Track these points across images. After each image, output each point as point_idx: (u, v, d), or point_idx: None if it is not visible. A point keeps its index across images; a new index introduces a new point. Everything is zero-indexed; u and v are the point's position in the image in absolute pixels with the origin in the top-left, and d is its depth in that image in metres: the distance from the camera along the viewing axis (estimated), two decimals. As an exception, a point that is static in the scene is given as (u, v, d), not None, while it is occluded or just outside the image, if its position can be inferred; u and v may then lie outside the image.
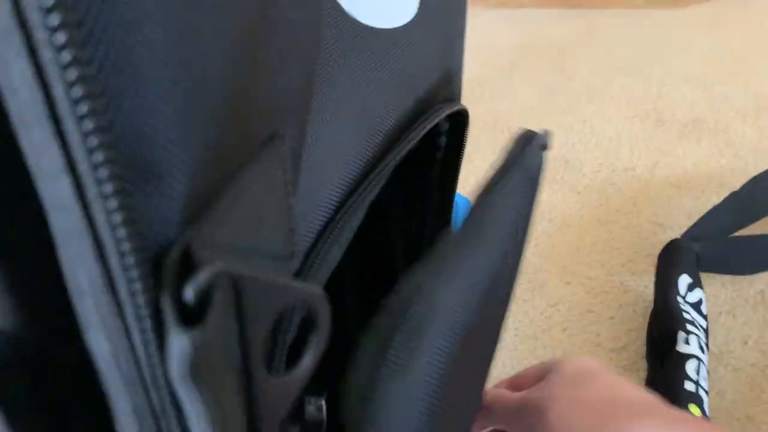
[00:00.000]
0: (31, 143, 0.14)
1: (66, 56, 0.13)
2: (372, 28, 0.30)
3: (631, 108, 1.17)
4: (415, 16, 0.33)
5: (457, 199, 0.84)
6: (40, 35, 0.12)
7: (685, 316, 0.63)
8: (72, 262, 0.15)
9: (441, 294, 0.27)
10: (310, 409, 0.38)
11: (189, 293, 0.15)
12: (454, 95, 0.41)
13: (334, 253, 0.28)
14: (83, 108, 0.13)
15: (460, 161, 0.41)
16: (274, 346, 0.21)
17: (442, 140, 0.41)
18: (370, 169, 0.31)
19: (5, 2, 0.12)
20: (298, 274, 0.26)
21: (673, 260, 0.69)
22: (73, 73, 0.13)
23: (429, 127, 0.35)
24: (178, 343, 0.15)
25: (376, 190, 0.31)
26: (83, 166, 0.14)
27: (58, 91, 0.13)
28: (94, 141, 0.13)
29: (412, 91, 0.34)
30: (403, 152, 0.33)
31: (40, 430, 0.19)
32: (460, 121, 0.41)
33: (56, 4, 0.12)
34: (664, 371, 0.58)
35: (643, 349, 0.71)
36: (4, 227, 0.17)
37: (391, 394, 0.25)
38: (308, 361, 0.20)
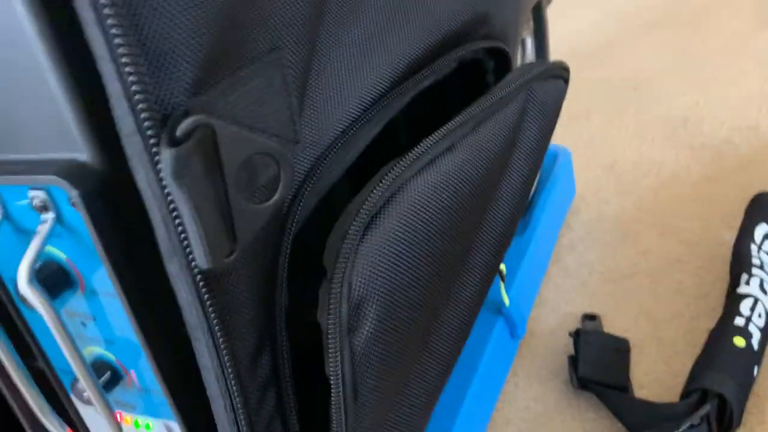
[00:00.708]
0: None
1: None
2: None
3: (769, 67, 1.11)
4: None
5: (556, 150, 0.88)
6: None
7: (754, 261, 0.63)
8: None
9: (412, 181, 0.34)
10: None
11: (179, 130, 0.24)
12: (494, 35, 0.46)
13: (346, 157, 0.35)
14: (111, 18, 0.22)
15: None
16: (251, 183, 0.29)
17: (490, 77, 0.46)
18: (390, 88, 0.38)
19: None
20: (313, 169, 0.33)
21: (756, 209, 0.69)
22: None
23: (454, 58, 0.41)
24: (165, 154, 0.24)
25: (393, 111, 0.37)
26: (112, 55, 0.23)
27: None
28: (117, 39, 0.22)
29: (439, 26, 0.40)
30: (426, 78, 0.39)
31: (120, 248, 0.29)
32: (504, 59, 0.46)
33: None
34: (723, 310, 0.59)
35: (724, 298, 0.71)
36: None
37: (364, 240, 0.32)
38: (277, 197, 0.28)
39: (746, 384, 0.55)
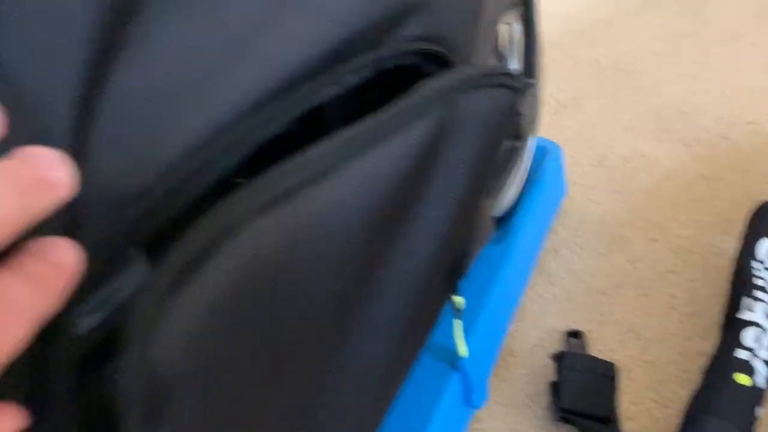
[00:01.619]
0: None
1: None
2: None
3: (771, 56, 1.04)
4: None
5: (545, 144, 0.81)
6: None
7: (757, 282, 0.57)
8: None
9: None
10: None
11: None
12: (434, 35, 0.36)
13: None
14: None
15: None
16: None
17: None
18: (260, 107, 0.27)
19: None
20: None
21: (759, 222, 0.63)
22: None
23: (362, 65, 0.31)
24: None
25: (264, 132, 0.27)
26: None
27: None
28: None
29: (337, 28, 0.30)
30: (318, 92, 0.29)
31: None
32: (447, 66, 0.37)
33: None
34: (721, 338, 0.54)
35: (721, 317, 0.65)
36: None
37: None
38: None
39: (750, 430, 0.49)
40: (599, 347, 0.65)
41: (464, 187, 0.34)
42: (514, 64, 0.66)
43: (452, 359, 0.54)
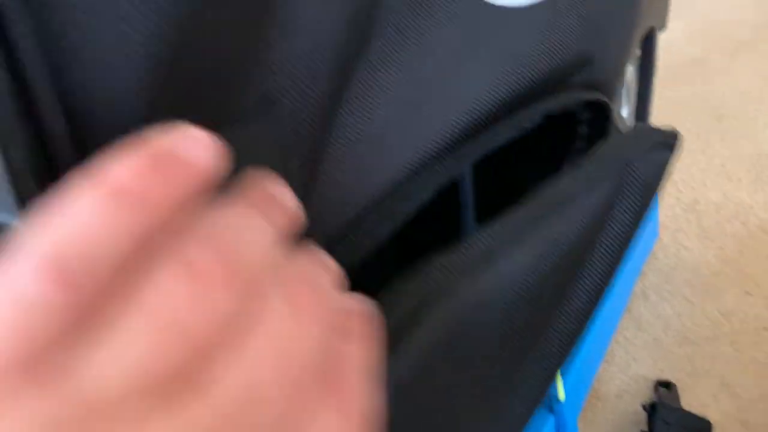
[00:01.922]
0: None
1: None
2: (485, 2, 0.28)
3: None
4: None
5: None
6: None
7: None
8: None
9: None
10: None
11: None
12: (595, 82, 0.37)
13: (364, 241, 0.26)
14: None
15: None
16: None
17: (583, 129, 0.38)
18: (450, 148, 0.28)
19: None
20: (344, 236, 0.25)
21: None
22: None
23: (540, 111, 0.32)
24: None
25: (455, 171, 0.28)
26: None
27: None
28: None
29: (523, 72, 0.31)
30: (501, 135, 0.30)
31: None
32: (603, 112, 0.37)
33: None
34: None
35: (820, 381, 0.63)
36: None
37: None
38: None
39: None
40: (691, 401, 0.64)
41: (614, 253, 0.33)
42: (627, 106, 0.65)
43: (549, 402, 0.54)
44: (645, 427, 0.60)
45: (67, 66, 0.16)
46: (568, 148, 0.39)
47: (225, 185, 0.18)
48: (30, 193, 0.16)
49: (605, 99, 0.36)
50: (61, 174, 0.16)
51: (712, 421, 0.60)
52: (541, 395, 0.33)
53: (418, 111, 0.26)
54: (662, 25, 0.63)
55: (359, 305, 0.17)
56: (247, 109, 0.20)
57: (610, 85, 0.38)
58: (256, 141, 0.20)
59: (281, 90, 0.20)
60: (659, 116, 1.05)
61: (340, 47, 0.22)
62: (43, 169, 0.16)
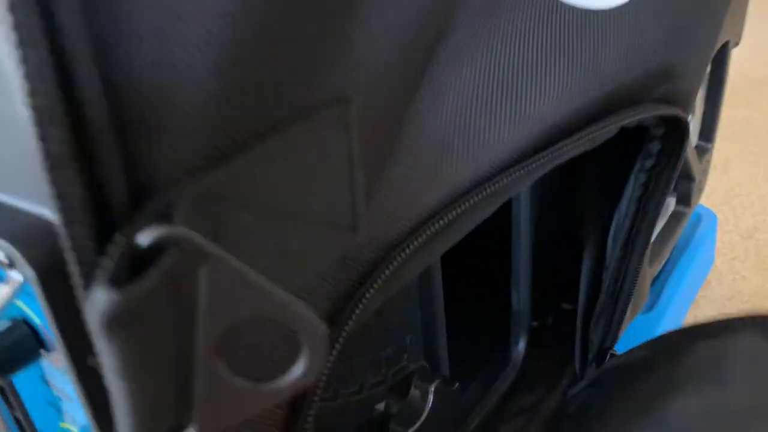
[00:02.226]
0: None
1: None
2: (567, 5, 0.26)
3: None
4: None
5: (699, 210, 0.76)
6: None
7: None
8: None
9: None
10: (415, 393, 0.33)
11: (143, 241, 0.14)
12: (673, 97, 0.35)
13: (435, 247, 0.24)
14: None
15: (673, 175, 0.35)
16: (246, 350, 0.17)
17: (654, 146, 0.35)
18: (519, 160, 0.26)
19: None
20: (384, 262, 0.23)
21: None
22: None
23: (615, 125, 0.30)
24: (99, 295, 0.13)
25: (521, 186, 0.26)
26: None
27: None
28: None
29: (602, 82, 0.29)
30: (572, 149, 0.28)
31: None
32: (679, 129, 0.35)
33: None
34: None
35: None
36: None
37: None
38: (289, 382, 0.17)
39: None
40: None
41: None
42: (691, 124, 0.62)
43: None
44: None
45: (113, 44, 0.14)
46: (631, 164, 0.37)
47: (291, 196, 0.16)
48: (67, 183, 0.14)
49: (684, 115, 0.33)
50: (96, 166, 0.14)
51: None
52: None
53: (487, 118, 0.24)
54: (737, 40, 0.60)
55: None
56: (321, 107, 0.18)
57: (687, 101, 0.35)
58: (324, 146, 0.18)
59: (355, 87, 0.19)
60: (718, 138, 1.01)
61: (415, 44, 0.20)
62: (80, 159, 0.14)
